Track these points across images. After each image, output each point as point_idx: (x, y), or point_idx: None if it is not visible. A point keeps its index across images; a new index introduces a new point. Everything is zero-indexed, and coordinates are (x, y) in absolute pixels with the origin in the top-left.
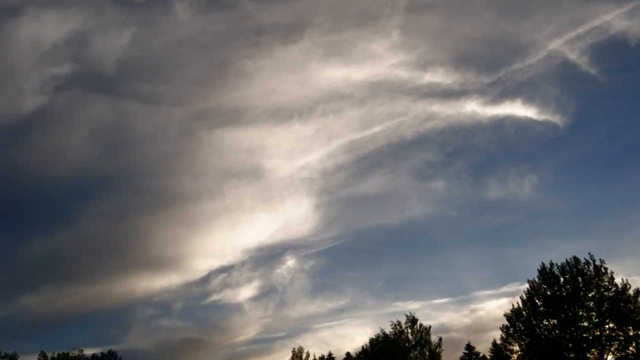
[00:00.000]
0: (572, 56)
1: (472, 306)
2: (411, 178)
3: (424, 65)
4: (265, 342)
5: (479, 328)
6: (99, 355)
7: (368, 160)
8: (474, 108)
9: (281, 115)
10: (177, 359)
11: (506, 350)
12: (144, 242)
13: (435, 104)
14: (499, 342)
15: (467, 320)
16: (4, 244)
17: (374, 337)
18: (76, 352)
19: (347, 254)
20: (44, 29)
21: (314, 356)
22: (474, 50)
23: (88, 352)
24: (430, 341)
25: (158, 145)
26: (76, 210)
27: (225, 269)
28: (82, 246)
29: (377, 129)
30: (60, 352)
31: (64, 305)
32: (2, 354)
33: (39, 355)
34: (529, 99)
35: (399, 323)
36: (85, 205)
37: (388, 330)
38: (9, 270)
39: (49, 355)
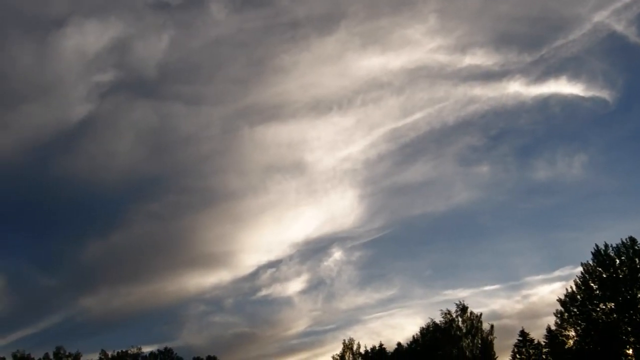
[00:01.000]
0: (619, 27)
1: (524, 292)
2: (455, 164)
3: (462, 48)
4: (316, 334)
5: (532, 314)
6: (156, 352)
7: (410, 148)
8: (517, 88)
9: (321, 107)
10: (231, 354)
11: (562, 336)
12: (192, 241)
13: (477, 87)
14: (553, 327)
15: (519, 306)
16: (63, 248)
17: (424, 326)
18: (134, 350)
19: (393, 243)
20: (87, 39)
21: (365, 347)
22: (514, 29)
23: (145, 349)
24: (482, 329)
25: (201, 144)
26: (127, 212)
27: (274, 264)
28: (134, 247)
29: (417, 115)
30: (120, 351)
31: (120, 305)
32: (67, 354)
33: (100, 354)
34: (574, 76)
35: (449, 312)
36: (136, 207)
37: (438, 319)
38: (69, 273)
39: (109, 353)
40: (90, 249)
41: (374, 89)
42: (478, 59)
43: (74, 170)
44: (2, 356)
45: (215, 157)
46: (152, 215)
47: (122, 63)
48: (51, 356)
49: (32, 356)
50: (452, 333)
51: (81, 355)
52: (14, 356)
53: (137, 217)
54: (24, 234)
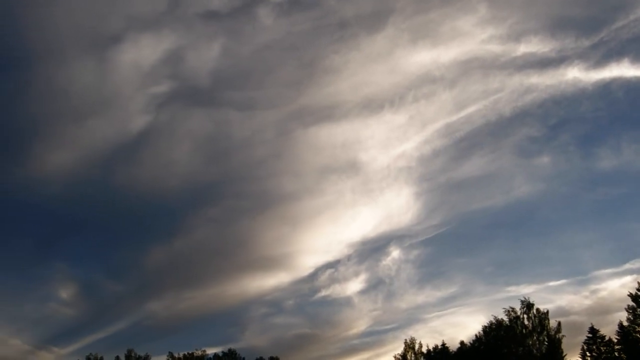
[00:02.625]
0: None
1: (593, 286)
2: (514, 156)
3: (516, 36)
4: (376, 334)
5: (601, 310)
6: (220, 354)
7: (466, 142)
8: (576, 74)
9: (373, 106)
10: (293, 355)
11: (635, 332)
12: (251, 244)
13: (533, 76)
14: (625, 324)
15: (587, 302)
16: (129, 256)
17: (487, 324)
18: (199, 352)
19: (452, 240)
20: (143, 52)
21: (427, 347)
22: (569, 12)
23: (210, 351)
24: (548, 326)
25: (256, 149)
26: (187, 218)
27: (332, 265)
28: (195, 252)
29: (472, 109)
30: (186, 353)
31: (184, 309)
32: (137, 356)
33: (167, 356)
34: (637, 57)
35: (514, 309)
36: (195, 213)
37: (502, 316)
38: (135, 279)
39: (176, 355)
40: (153, 256)
41: (425, 84)
42: (533, 46)
43: (136, 180)
44: (77, 359)
45: (270, 160)
46: (212, 220)
47: (176, 74)
48: (122, 359)
49: (104, 359)
50: (517, 331)
51: (150, 358)
52: (88, 359)
53: (197, 223)
54: (92, 243)
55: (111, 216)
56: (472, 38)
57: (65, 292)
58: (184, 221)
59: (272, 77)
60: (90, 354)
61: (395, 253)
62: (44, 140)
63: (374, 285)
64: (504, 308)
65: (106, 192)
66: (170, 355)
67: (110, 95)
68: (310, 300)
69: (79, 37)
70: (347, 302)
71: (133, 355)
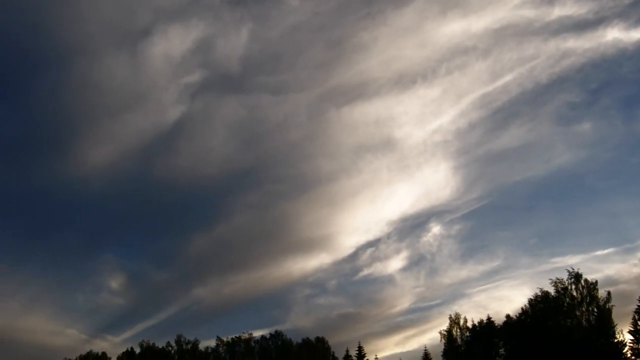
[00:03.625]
0: None
1: None
2: (553, 124)
3: None
4: (420, 310)
5: None
6: (267, 336)
7: (503, 113)
8: (616, 35)
9: (405, 81)
10: (338, 334)
11: None
12: (291, 227)
13: (570, 39)
14: None
15: (636, 270)
16: (173, 244)
17: (533, 297)
18: (247, 335)
19: (494, 213)
20: (173, 43)
21: (472, 321)
22: None
23: (257, 333)
24: (597, 297)
25: (290, 132)
26: (227, 204)
27: (372, 243)
28: (237, 237)
29: (508, 77)
30: (234, 336)
31: (230, 293)
32: (186, 341)
33: (216, 340)
34: None
35: (561, 280)
36: (235, 199)
37: (549, 288)
38: (180, 267)
39: (224, 339)
40: (196, 243)
41: (458, 55)
42: (569, 8)
43: (175, 170)
44: (130, 346)
45: (304, 143)
46: (251, 205)
47: (207, 62)
48: (173, 344)
49: (156, 345)
50: (565, 303)
51: (199, 342)
52: (141, 345)
53: (236, 209)
54: (137, 234)
55: (153, 206)
56: (504, 4)
57: (115, 282)
58: (223, 208)
59: (302, 59)
60: (143, 340)
61: (435, 229)
62: (83, 138)
63: (416, 262)
64: (550, 279)
65: (146, 183)
66: (219, 339)
67: (144, 88)
68: (352, 280)
69: (110, 33)
70: (389, 280)
71: (182, 340)
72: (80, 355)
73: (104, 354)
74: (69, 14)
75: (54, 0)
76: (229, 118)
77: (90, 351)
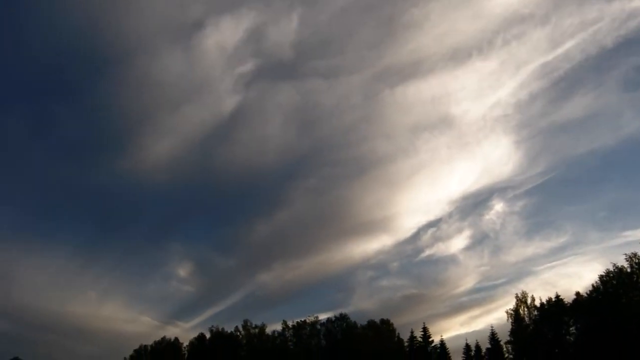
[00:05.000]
0: None
1: None
2: (620, 90)
3: None
4: (486, 290)
5: None
6: (333, 319)
7: (565, 82)
8: None
9: (459, 56)
10: (403, 315)
11: None
12: (351, 210)
13: None
14: None
15: None
16: (235, 232)
17: (604, 273)
18: (312, 319)
19: (559, 187)
20: (225, 34)
21: (540, 300)
22: None
23: (322, 317)
24: None
25: (345, 115)
26: (287, 190)
27: (433, 223)
28: (298, 222)
29: (569, 44)
30: (299, 320)
31: (293, 278)
32: (253, 326)
33: (282, 324)
34: None
35: (635, 254)
36: (294, 185)
37: (622, 263)
38: (244, 254)
39: (290, 323)
40: (259, 229)
41: (514, 24)
42: None
43: (234, 159)
44: (200, 332)
45: (360, 125)
46: (310, 190)
47: (259, 51)
48: (240, 329)
49: (225, 330)
50: None
51: (266, 326)
52: (210, 331)
53: (296, 194)
54: (202, 223)
55: (215, 195)
56: None
57: (183, 271)
58: (283, 194)
59: (353, 40)
60: (212, 326)
61: (498, 206)
62: (144, 133)
63: (479, 241)
64: (624, 254)
65: (208, 173)
66: (284, 323)
67: (200, 81)
68: (414, 261)
69: (164, 29)
70: (452, 259)
71: (249, 325)
72: (155, 341)
73: (176, 339)
74: (124, 15)
75: (109, 3)
76: (284, 105)
77: (164, 337)
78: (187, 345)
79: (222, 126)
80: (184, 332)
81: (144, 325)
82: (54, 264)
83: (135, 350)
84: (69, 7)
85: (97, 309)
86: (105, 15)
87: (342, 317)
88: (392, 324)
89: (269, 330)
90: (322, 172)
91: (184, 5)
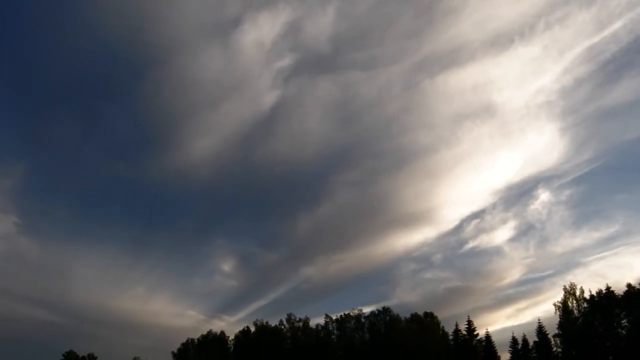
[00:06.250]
0: None
1: None
2: None
3: None
4: (532, 282)
5: None
6: (376, 312)
7: (613, 65)
8: None
9: (501, 42)
10: (446, 308)
11: None
12: (393, 202)
13: None
14: None
15: None
16: (278, 226)
17: None
18: (355, 312)
19: (608, 175)
20: (262, 30)
21: (590, 292)
22: None
23: (365, 310)
24: None
25: (385, 106)
26: (328, 184)
27: (477, 215)
28: (340, 215)
29: (616, 25)
30: (343, 314)
31: (336, 271)
32: (297, 319)
33: (325, 317)
34: None
35: None
36: (335, 178)
37: None
38: (287, 248)
39: (333, 317)
40: (301, 223)
41: (557, 7)
42: None
43: (275, 154)
44: (245, 325)
45: (400, 116)
46: (352, 183)
47: (297, 45)
48: (284, 322)
49: (269, 323)
50: None
51: (309, 320)
52: (255, 324)
53: (338, 187)
54: (245, 218)
55: (257, 190)
56: None
57: (227, 266)
58: (324, 187)
59: (391, 30)
60: (257, 319)
61: (544, 196)
62: (187, 131)
63: (524, 232)
64: None
65: (250, 169)
66: (327, 316)
67: (239, 77)
68: (458, 253)
69: (202, 28)
70: (496, 251)
71: (293, 318)
72: (202, 334)
73: (222, 332)
74: (163, 16)
75: (148, 4)
76: (323, 98)
77: (210, 331)
78: (232, 339)
79: (263, 122)
80: (229, 325)
81: (190, 319)
82: (104, 261)
83: (182, 344)
84: (111, 13)
85: (145, 303)
86: (145, 18)
87: (385, 311)
88: (436, 317)
89: (312, 323)
90: (363, 164)
91: (221, 3)
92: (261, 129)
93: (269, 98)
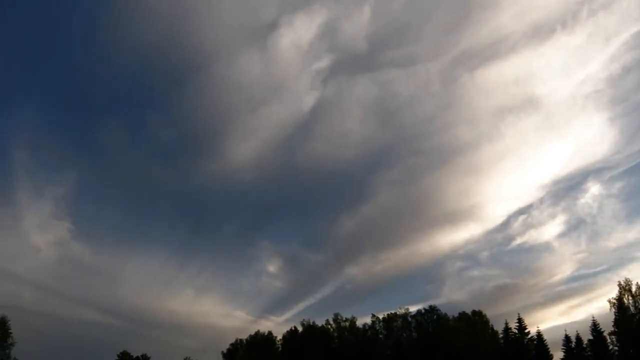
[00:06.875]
0: None
1: None
2: None
3: None
4: (584, 278)
5: None
6: (422, 311)
7: None
8: None
9: (542, 32)
10: (495, 307)
11: None
12: (436, 200)
13: None
14: None
15: None
16: (322, 226)
17: None
18: (402, 311)
19: None
20: (299, 32)
21: None
22: None
23: (412, 308)
24: None
25: (425, 103)
26: (370, 183)
27: (524, 210)
28: (382, 215)
29: None
30: (389, 313)
31: (381, 270)
32: (344, 319)
33: (371, 317)
34: None
35: None
36: (377, 178)
37: None
38: (331, 248)
39: (380, 316)
40: (344, 223)
41: None
42: None
43: (316, 154)
44: (292, 325)
45: (441, 112)
46: (393, 182)
47: (333, 45)
48: (331, 322)
49: (316, 323)
50: None
51: (356, 319)
52: (302, 324)
53: (379, 187)
54: (289, 219)
55: (300, 192)
56: None
57: (273, 267)
58: (366, 187)
59: (428, 26)
60: (303, 319)
61: (594, 189)
62: (229, 135)
63: (575, 226)
64: None
65: (291, 170)
66: (374, 316)
67: (278, 80)
68: (505, 250)
69: (240, 32)
70: (546, 247)
71: (340, 318)
72: (250, 335)
73: (270, 333)
74: (200, 23)
75: (186, 12)
76: (362, 98)
77: (258, 331)
78: (280, 339)
79: (303, 123)
80: (277, 326)
81: (238, 320)
82: (154, 264)
83: (232, 344)
84: (150, 23)
85: (194, 305)
86: (183, 25)
87: (432, 309)
88: (485, 316)
89: (359, 323)
90: (404, 163)
91: (257, 8)
92: (301, 131)
93: (308, 99)
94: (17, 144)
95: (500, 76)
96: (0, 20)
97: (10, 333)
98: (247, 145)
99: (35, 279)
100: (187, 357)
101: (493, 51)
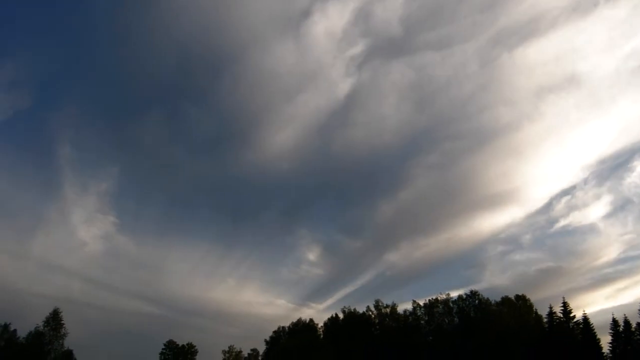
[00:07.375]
0: None
1: None
2: None
3: None
4: (632, 260)
5: None
6: (464, 296)
7: None
8: None
9: (584, 5)
10: (539, 290)
11: None
12: (476, 183)
13: None
14: None
15: None
16: (360, 213)
17: None
18: (443, 296)
19: None
20: (332, 19)
21: None
22: None
23: (453, 294)
24: None
25: (462, 85)
26: (408, 169)
27: (567, 191)
28: (421, 200)
29: None
30: (431, 298)
31: (421, 256)
32: (384, 305)
33: (412, 303)
34: None
35: None
36: (415, 162)
37: None
38: (370, 235)
39: (421, 302)
40: (383, 209)
41: None
42: None
43: (353, 141)
44: (333, 312)
45: (479, 94)
46: (431, 166)
47: (367, 30)
48: (372, 308)
49: (357, 310)
50: None
51: (397, 305)
52: (343, 311)
53: (418, 172)
54: (327, 207)
55: (337, 179)
56: None
57: (312, 255)
58: (404, 173)
59: (463, 5)
60: (345, 306)
61: None
62: (265, 125)
63: (621, 207)
64: None
65: (328, 158)
66: (414, 302)
67: (313, 68)
68: (548, 232)
69: (274, 22)
70: (590, 229)
71: (380, 304)
72: (292, 322)
73: (311, 320)
74: (235, 15)
75: (219, 7)
76: (398, 82)
77: (299, 318)
78: (321, 326)
79: (339, 110)
80: (318, 313)
81: (280, 307)
82: (196, 255)
83: (274, 331)
84: (186, 17)
85: (236, 294)
86: (218, 18)
87: (474, 294)
88: (528, 300)
89: (400, 309)
90: (442, 146)
91: None
92: (338, 118)
93: (344, 86)
94: (62, 141)
95: (540, 54)
96: (44, 21)
97: (63, 324)
98: (284, 134)
99: (84, 272)
100: (231, 345)
101: (532, 28)
